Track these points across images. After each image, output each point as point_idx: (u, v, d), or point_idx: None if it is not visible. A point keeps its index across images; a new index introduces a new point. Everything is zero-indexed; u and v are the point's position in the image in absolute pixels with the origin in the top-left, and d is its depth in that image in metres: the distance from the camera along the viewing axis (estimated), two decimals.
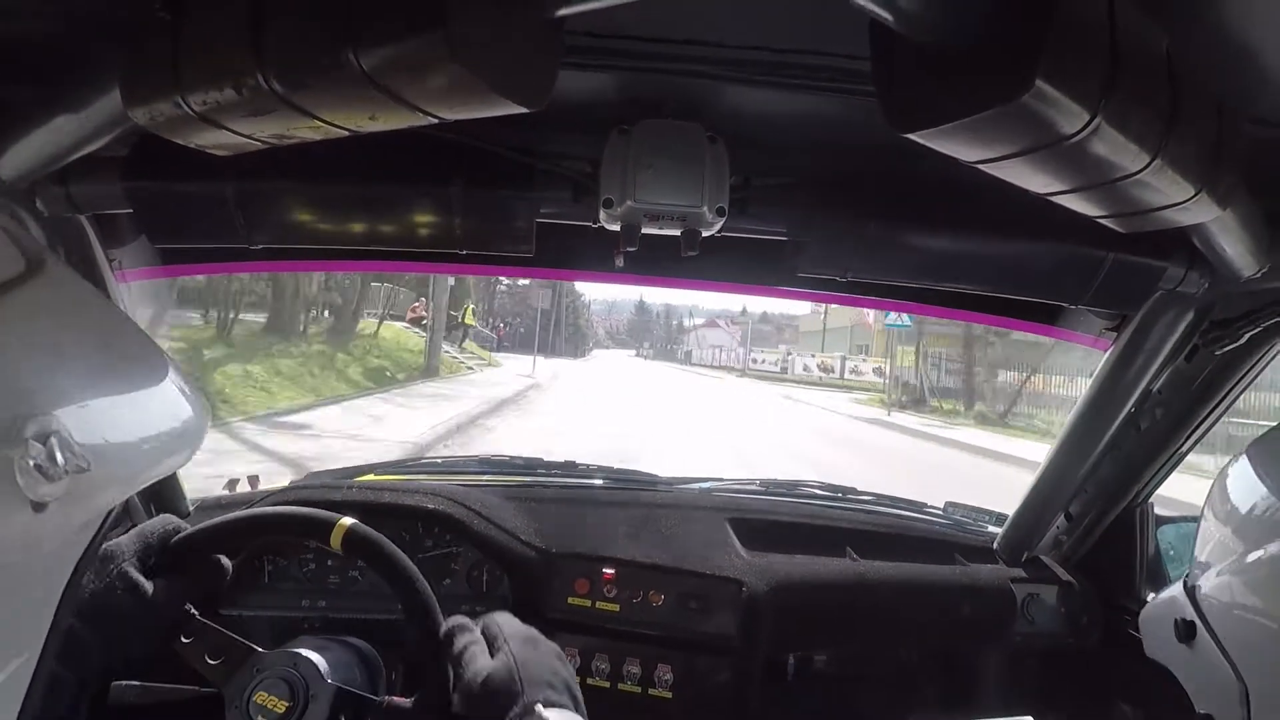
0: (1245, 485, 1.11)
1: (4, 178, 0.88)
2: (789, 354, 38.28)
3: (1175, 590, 1.26)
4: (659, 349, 73.95)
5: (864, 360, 32.58)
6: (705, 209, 0.96)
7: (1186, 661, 1.22)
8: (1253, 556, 1.06)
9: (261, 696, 0.92)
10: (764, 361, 39.77)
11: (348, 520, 1.01)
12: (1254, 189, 0.80)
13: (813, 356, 35.75)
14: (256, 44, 0.57)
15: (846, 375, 32.64)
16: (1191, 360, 1.26)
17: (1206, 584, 1.18)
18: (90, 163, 0.91)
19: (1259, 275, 0.99)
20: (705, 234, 1.00)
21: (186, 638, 1.00)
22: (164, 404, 0.52)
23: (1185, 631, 1.20)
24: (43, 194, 0.97)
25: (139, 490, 0.48)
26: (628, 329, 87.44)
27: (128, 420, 0.46)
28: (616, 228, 1.00)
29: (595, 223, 1.02)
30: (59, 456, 0.36)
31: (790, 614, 1.44)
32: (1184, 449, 1.38)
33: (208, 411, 0.59)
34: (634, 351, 72.83)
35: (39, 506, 0.37)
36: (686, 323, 78.92)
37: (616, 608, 1.43)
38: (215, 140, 0.69)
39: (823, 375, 33.49)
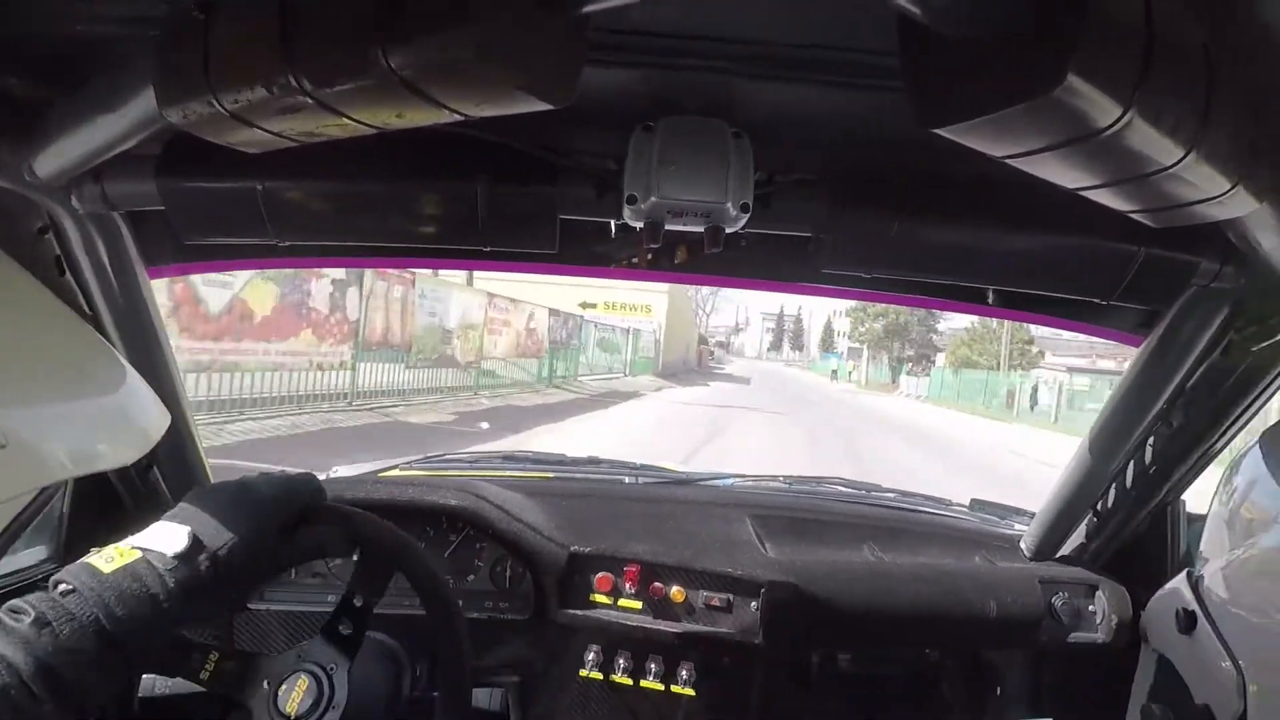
0: (1252, 476, 1.11)
1: (42, 176, 0.90)
2: None
3: (1179, 582, 1.26)
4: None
5: None
6: (729, 205, 0.96)
7: (1187, 652, 1.21)
8: (1254, 547, 1.06)
9: (285, 692, 0.91)
10: None
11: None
12: None
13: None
14: (286, 43, 0.58)
15: None
16: (1227, 356, 1.23)
17: (1209, 575, 1.18)
18: (125, 161, 0.92)
19: None
20: (729, 230, 0.99)
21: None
22: (111, 403, 0.55)
23: (1186, 622, 1.20)
24: (79, 192, 0.99)
25: (77, 476, 0.52)
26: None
27: (63, 412, 0.50)
28: (640, 224, 1.00)
29: (619, 219, 1.02)
30: None
31: (812, 612, 1.44)
32: (1218, 446, 1.35)
33: (165, 417, 0.62)
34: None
35: None
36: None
37: (639, 605, 1.43)
38: (246, 138, 0.70)
39: None
